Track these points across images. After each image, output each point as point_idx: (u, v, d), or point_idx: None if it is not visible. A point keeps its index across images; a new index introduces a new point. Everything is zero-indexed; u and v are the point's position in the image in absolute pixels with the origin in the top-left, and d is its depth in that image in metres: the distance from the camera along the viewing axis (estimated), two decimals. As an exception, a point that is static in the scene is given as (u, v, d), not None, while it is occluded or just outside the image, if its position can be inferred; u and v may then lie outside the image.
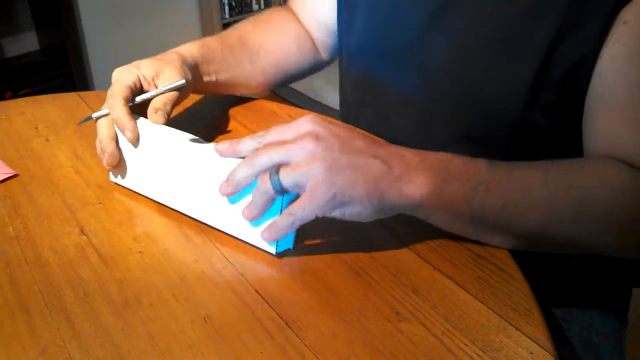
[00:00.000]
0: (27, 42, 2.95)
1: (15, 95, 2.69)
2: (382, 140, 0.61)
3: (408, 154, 0.60)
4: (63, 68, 2.86)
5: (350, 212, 0.58)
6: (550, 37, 0.68)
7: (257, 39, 0.94)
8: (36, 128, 0.90)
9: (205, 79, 0.86)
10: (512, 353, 0.52)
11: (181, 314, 0.57)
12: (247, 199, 0.62)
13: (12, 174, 0.78)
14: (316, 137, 0.58)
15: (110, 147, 0.72)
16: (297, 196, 0.59)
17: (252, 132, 0.87)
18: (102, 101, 0.96)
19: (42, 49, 2.98)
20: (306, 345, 0.53)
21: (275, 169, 0.58)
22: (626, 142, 0.66)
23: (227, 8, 3.38)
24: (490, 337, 0.54)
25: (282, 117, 0.91)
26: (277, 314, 0.57)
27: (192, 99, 0.97)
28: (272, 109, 0.93)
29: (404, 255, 0.64)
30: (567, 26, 0.67)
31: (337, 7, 0.92)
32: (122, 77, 0.75)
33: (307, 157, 0.57)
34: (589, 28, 0.66)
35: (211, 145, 0.67)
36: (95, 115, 0.74)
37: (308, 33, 0.99)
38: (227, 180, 0.62)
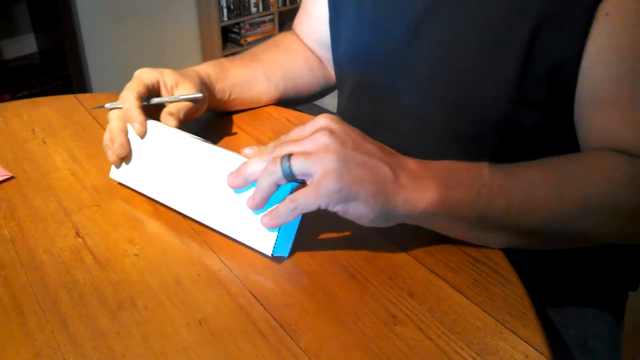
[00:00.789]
0: (25, 45, 2.96)
1: (14, 97, 2.69)
2: (389, 149, 0.62)
3: (412, 163, 0.61)
4: (61, 70, 2.87)
5: (353, 210, 0.58)
6: (531, 32, 0.69)
7: (270, 58, 0.97)
8: (33, 130, 0.90)
9: (219, 96, 0.88)
10: (507, 356, 0.52)
11: (176, 317, 0.57)
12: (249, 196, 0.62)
13: (8, 176, 0.78)
14: (331, 132, 0.59)
15: (120, 138, 0.73)
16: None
17: (247, 134, 0.87)
18: (98, 103, 0.97)
19: (40, 52, 2.99)
20: (301, 348, 0.53)
21: (287, 155, 0.58)
22: (623, 134, 0.67)
23: (225, 11, 3.38)
24: (486, 340, 0.54)
25: (279, 120, 0.91)
26: (272, 316, 0.57)
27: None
28: (269, 112, 0.94)
29: (400, 258, 0.63)
30: (547, 21, 0.68)
31: (329, 21, 0.93)
32: (143, 76, 0.78)
33: (320, 147, 0.58)
34: (571, 22, 0.67)
35: (213, 145, 0.68)
36: (108, 105, 0.75)
37: (314, 54, 1.02)
38: (237, 171, 0.62)
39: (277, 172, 0.58)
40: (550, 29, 0.68)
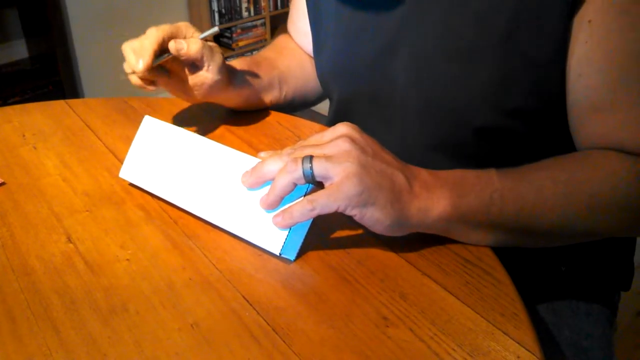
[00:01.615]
0: (16, 51, 2.95)
1: (5, 103, 2.68)
2: (402, 161, 0.63)
3: (425, 173, 0.63)
4: (52, 76, 2.86)
5: (370, 215, 0.59)
6: (502, 40, 0.69)
7: (287, 67, 0.97)
8: (23, 136, 0.89)
9: (237, 84, 0.87)
10: (499, 357, 0.52)
11: (168, 321, 0.57)
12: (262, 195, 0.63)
13: (-2, 182, 0.78)
14: (352, 140, 0.60)
15: (148, 53, 0.76)
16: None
17: (241, 139, 0.87)
18: (90, 109, 0.97)
19: (31, 57, 2.98)
20: (294, 352, 0.53)
21: (309, 156, 0.59)
22: (622, 137, 0.67)
23: (217, 16, 3.38)
24: (477, 341, 0.54)
25: (272, 124, 0.92)
26: (264, 320, 0.57)
27: (181, 105, 0.97)
28: (261, 115, 0.93)
29: (391, 261, 0.64)
30: (518, 28, 0.68)
31: (311, 37, 0.94)
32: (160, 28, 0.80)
33: (341, 152, 0.59)
34: (545, 27, 0.67)
35: (224, 146, 0.68)
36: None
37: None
38: (252, 169, 0.63)
39: (297, 172, 0.58)
40: (525, 33, 0.68)
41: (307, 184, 0.60)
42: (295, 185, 0.60)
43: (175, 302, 0.59)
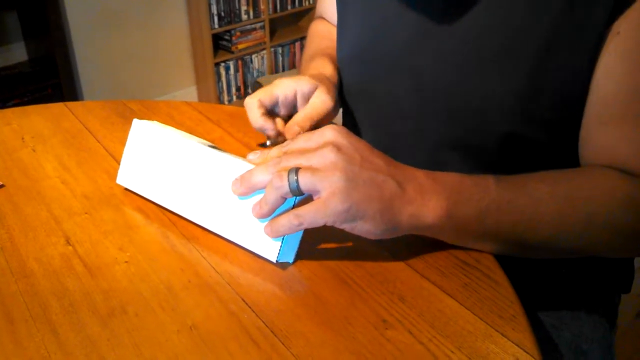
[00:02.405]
0: (15, 53, 2.95)
1: (4, 106, 2.68)
2: (397, 162, 0.62)
3: (421, 176, 0.61)
4: (52, 79, 2.86)
5: (360, 227, 0.58)
6: (540, 50, 0.68)
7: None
8: (22, 138, 0.90)
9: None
10: (498, 359, 0.52)
11: (167, 324, 0.57)
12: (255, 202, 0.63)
13: (-3, 185, 0.78)
14: (338, 148, 0.59)
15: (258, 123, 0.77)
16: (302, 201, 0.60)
17: (238, 140, 0.87)
18: (89, 111, 0.97)
19: (30, 60, 2.98)
20: (293, 354, 0.53)
21: (294, 169, 0.58)
22: (623, 151, 0.67)
23: (216, 18, 3.38)
24: (476, 344, 0.54)
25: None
26: (263, 322, 0.57)
27: (180, 108, 0.97)
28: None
29: (390, 263, 0.64)
30: (558, 39, 0.67)
31: (337, 20, 0.93)
32: (276, 86, 0.79)
33: (327, 165, 0.58)
34: (582, 40, 0.66)
35: (218, 151, 0.68)
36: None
37: None
38: (241, 178, 0.62)
39: (283, 187, 0.58)
40: (561, 47, 0.67)
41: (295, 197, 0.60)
42: (284, 198, 0.60)
43: (174, 305, 0.59)
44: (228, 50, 3.57)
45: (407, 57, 0.79)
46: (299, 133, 0.74)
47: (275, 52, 3.79)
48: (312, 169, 0.58)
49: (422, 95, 0.78)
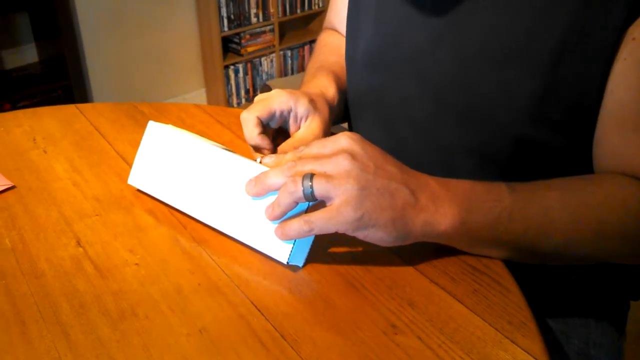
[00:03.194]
0: (26, 55, 2.97)
1: (15, 107, 2.70)
2: (411, 170, 0.62)
3: (433, 183, 0.61)
4: (62, 80, 2.87)
5: (372, 236, 0.59)
6: (554, 53, 0.68)
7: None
8: (34, 140, 0.90)
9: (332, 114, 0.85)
10: (507, 366, 0.52)
11: (177, 326, 0.57)
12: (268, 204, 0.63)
13: (9, 186, 0.78)
14: (353, 156, 0.59)
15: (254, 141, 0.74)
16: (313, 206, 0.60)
17: (244, 140, 0.87)
18: (100, 113, 0.97)
19: (41, 61, 3.00)
20: (301, 358, 0.53)
21: (309, 175, 0.59)
22: (637, 159, 0.67)
23: (225, 21, 3.39)
24: (486, 350, 0.54)
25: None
26: (272, 325, 0.57)
27: (190, 111, 0.97)
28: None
29: (399, 268, 0.64)
30: (572, 42, 0.67)
31: (347, 20, 0.93)
32: (274, 100, 0.75)
33: (341, 172, 0.58)
34: (597, 44, 0.66)
35: (231, 153, 0.68)
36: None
37: None
38: (255, 179, 0.63)
39: (297, 192, 0.58)
40: (575, 51, 0.67)
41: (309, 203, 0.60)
42: (298, 202, 0.60)
43: (183, 307, 0.59)
44: (237, 53, 3.57)
45: (421, 61, 0.79)
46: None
47: (285, 55, 3.80)
48: (326, 176, 0.58)
49: (435, 100, 0.78)
